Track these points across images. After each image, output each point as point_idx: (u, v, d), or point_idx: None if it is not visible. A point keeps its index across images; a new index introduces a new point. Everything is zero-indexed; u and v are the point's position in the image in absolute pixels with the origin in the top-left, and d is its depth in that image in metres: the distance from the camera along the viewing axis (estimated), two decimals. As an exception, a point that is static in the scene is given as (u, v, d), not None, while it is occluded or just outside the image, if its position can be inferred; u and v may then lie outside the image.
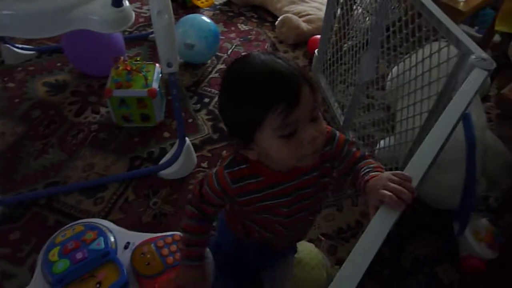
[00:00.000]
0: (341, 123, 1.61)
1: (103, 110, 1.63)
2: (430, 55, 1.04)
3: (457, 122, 0.93)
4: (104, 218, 1.30)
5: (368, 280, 1.21)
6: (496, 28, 1.22)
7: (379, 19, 1.25)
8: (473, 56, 0.85)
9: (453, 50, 0.96)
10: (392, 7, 1.21)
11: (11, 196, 1.34)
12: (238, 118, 0.65)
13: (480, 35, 2.05)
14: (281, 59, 0.64)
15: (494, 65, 0.83)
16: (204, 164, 1.48)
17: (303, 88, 0.62)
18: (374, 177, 0.64)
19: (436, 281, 1.25)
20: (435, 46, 1.03)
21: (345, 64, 1.57)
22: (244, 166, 0.72)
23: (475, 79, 0.81)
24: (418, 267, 1.27)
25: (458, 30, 0.92)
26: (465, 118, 0.93)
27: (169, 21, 1.19)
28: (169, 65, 1.26)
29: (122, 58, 1.50)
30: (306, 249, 1.10)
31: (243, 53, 1.96)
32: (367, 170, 0.69)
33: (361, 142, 1.52)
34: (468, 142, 0.93)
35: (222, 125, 1.61)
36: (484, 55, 0.85)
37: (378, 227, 0.55)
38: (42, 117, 1.60)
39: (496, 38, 2.04)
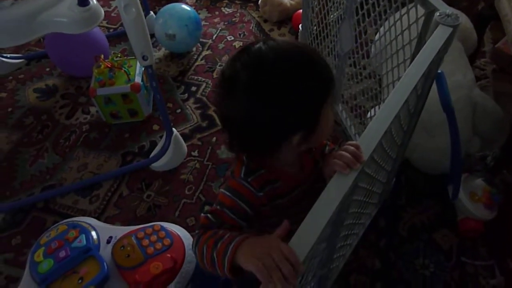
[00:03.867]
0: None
1: (92, 110, 1.65)
2: (401, 17, 1.00)
3: (431, 83, 0.91)
4: (100, 215, 1.33)
5: (363, 251, 1.21)
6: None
7: (351, -14, 1.21)
8: (437, 13, 0.81)
9: (421, 10, 0.92)
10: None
11: (11, 203, 1.38)
12: (310, 100, 0.63)
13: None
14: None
15: (459, 20, 0.80)
16: (195, 153, 1.48)
17: None
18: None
19: (435, 246, 1.23)
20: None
21: (328, 36, 1.53)
22: (262, 171, 0.69)
23: (439, 36, 0.78)
24: (415, 235, 1.26)
25: (422, -12, 0.88)
26: (438, 78, 0.89)
27: (137, 14, 1.17)
28: (144, 58, 1.25)
29: (102, 56, 1.51)
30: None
31: (228, 37, 1.94)
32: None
33: (352, 113, 1.49)
34: (443, 103, 0.90)
35: (210, 112, 1.61)
36: (448, 11, 0.81)
37: (333, 190, 0.56)
38: (34, 123, 1.62)
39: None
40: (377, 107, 1.36)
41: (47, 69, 1.84)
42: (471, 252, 1.21)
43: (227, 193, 0.68)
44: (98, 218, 1.28)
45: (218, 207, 0.68)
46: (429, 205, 1.32)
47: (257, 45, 0.63)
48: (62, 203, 1.37)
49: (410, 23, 0.96)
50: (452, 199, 1.22)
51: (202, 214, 0.69)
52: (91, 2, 1.18)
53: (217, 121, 1.58)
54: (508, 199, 1.23)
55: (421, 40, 0.92)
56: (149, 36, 1.24)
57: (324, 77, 0.64)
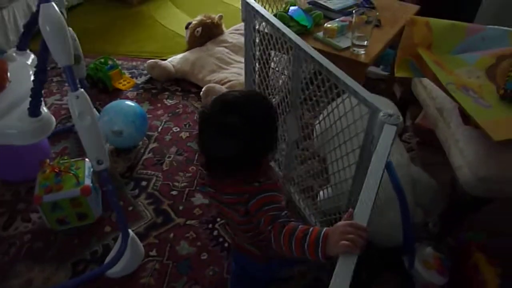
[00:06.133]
0: (280, 179, 1.66)
1: (34, 216, 1.53)
2: (345, 113, 1.13)
3: (383, 171, 1.02)
4: None
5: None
6: (396, 75, 1.35)
7: (294, 83, 1.34)
8: (381, 114, 0.93)
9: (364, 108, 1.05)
10: (303, 72, 1.31)
11: None
12: (276, 129, 0.92)
13: (387, 73, 2.27)
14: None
15: (401, 119, 0.92)
16: (153, 252, 1.43)
17: None
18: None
19: (401, 319, 1.28)
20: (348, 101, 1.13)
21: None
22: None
23: (387, 133, 0.90)
24: (381, 309, 1.30)
25: (364, 91, 1.01)
26: (388, 166, 1.00)
27: (92, 121, 1.18)
28: (99, 162, 1.23)
29: (47, 161, 1.45)
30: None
31: (174, 128, 1.98)
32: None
33: (303, 195, 1.57)
34: (395, 186, 1.00)
35: (165, 206, 1.59)
36: (390, 111, 0.94)
37: (344, 269, 0.63)
38: (-35, 238, 1.46)
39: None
40: (325, 191, 1.46)
41: (-23, 176, 1.70)
42: (434, 320, 1.27)
43: (265, 194, 0.86)
44: None
45: (267, 207, 0.84)
46: (389, 277, 1.38)
47: (230, 98, 0.85)
48: (5, 331, 1.21)
49: (355, 119, 1.09)
50: (409, 269, 1.30)
51: (263, 218, 0.83)
52: (43, 111, 1.16)
53: (173, 215, 1.56)
54: (455, 263, 1.34)
55: (368, 134, 1.03)
56: (103, 141, 1.24)
57: (275, 109, 0.92)
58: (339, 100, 1.17)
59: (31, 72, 1.31)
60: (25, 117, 1.13)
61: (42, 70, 1.11)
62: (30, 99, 1.11)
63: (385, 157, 0.85)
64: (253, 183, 0.86)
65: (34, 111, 1.13)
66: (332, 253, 0.69)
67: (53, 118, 1.21)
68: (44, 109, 1.18)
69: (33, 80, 1.10)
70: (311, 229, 0.74)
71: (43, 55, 1.09)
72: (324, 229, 0.72)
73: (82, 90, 1.16)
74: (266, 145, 0.88)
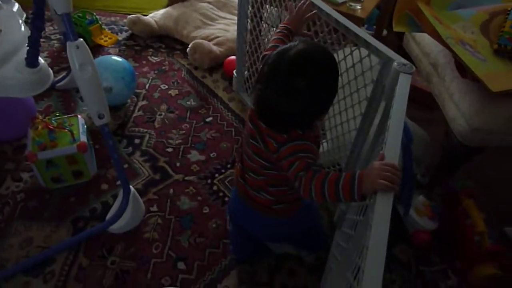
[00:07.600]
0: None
1: (25, 175, 1.48)
2: (354, 65, 1.14)
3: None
4: (61, 293, 1.19)
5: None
6: (395, 30, 1.38)
7: (296, 37, 1.33)
8: (395, 63, 0.95)
9: (374, 58, 1.06)
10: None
11: None
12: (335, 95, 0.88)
13: (371, 32, 2.29)
14: None
15: (414, 68, 0.95)
16: (154, 208, 1.42)
17: None
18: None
19: (396, 261, 1.37)
20: (351, 52, 1.14)
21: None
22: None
23: (403, 82, 0.92)
24: (377, 254, 1.38)
25: (376, 42, 1.03)
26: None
27: (93, 73, 1.13)
28: (100, 116, 1.19)
29: (40, 117, 1.38)
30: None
31: (162, 86, 1.93)
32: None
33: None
34: (407, 137, 1.05)
35: (161, 163, 1.57)
36: (403, 60, 0.96)
37: (384, 206, 0.68)
38: (-48, 200, 1.39)
39: (383, 32, 2.31)
40: (321, 144, 1.49)
41: (-44, 135, 1.60)
42: (426, 261, 1.38)
43: (301, 142, 0.85)
44: (61, 298, 1.15)
45: (302, 154, 0.83)
46: (383, 225, 1.46)
47: (300, 50, 0.80)
48: (10, 288, 1.19)
49: (364, 70, 1.11)
50: (404, 215, 1.38)
51: (297, 162, 0.82)
52: (40, 63, 1.10)
53: (170, 172, 1.55)
54: (445, 209, 1.44)
55: (378, 85, 1.05)
56: (104, 94, 1.20)
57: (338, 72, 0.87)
58: (341, 53, 1.19)
59: (20, 21, 1.22)
60: (23, 68, 1.06)
61: (39, 17, 1.03)
62: (27, 48, 1.04)
63: (405, 103, 0.88)
64: (297, 129, 0.86)
65: (32, 61, 1.06)
66: (368, 191, 0.71)
67: (51, 71, 1.15)
68: (41, 60, 1.11)
69: (30, 28, 1.03)
70: (344, 173, 0.77)
71: (40, 0, 1.02)
72: (358, 171, 0.75)
73: (82, 40, 1.10)
74: (324, 109, 0.87)
